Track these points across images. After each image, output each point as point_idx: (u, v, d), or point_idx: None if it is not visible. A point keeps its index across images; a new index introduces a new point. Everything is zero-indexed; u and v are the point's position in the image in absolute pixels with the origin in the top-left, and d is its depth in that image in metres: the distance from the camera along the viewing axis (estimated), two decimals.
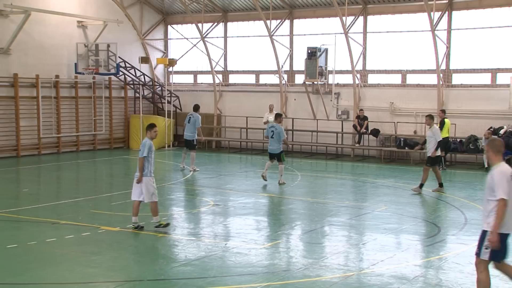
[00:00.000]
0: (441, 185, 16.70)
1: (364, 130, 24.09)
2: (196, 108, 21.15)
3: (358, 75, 25.44)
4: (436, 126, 17.03)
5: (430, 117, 16.52)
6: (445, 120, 20.97)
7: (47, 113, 24.94)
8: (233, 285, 8.77)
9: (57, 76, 25.29)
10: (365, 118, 24.30)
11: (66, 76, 25.82)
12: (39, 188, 17.93)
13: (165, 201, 15.74)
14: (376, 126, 24.32)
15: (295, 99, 26.98)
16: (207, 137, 27.95)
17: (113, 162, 23.47)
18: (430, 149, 16.38)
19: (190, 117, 20.62)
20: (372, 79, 25.70)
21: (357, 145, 24.61)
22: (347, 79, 25.76)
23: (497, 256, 7.20)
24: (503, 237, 7.14)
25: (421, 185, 16.42)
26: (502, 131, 21.38)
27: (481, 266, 7.31)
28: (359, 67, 25.46)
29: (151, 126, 11.99)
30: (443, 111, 21.21)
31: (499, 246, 7.06)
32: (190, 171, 20.02)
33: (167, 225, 11.91)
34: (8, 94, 23.61)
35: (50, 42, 25.04)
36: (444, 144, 20.24)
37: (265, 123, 22.38)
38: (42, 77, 24.53)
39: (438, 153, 16.66)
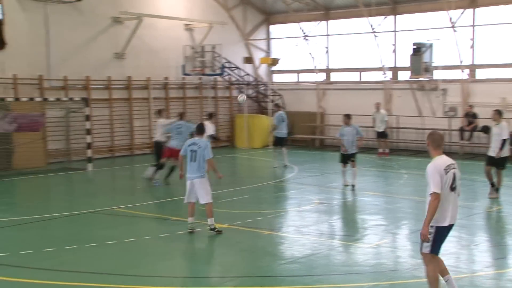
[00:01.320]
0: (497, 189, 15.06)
1: (469, 129, 23.11)
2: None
3: (467, 70, 24.51)
4: (505, 123, 14.98)
5: (497, 112, 14.73)
6: None
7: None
8: (340, 283, 8.71)
9: (166, 78, 26.21)
10: (475, 115, 23.30)
11: (174, 78, 26.68)
12: (151, 185, 18.60)
13: (271, 199, 15.94)
14: (487, 123, 23.29)
15: (399, 96, 26.38)
16: (310, 136, 28.02)
17: (219, 161, 23.85)
18: (494, 148, 14.74)
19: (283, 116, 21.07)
20: (481, 74, 24.67)
21: (466, 142, 23.70)
22: (455, 74, 24.88)
23: (438, 249, 7.32)
24: (442, 230, 7.23)
25: (497, 189, 14.96)
26: None
27: (425, 260, 7.40)
28: (467, 61, 24.52)
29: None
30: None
31: (428, 239, 7.15)
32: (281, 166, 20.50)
33: (220, 232, 11.39)
34: (123, 96, 24.76)
35: (160, 46, 25.96)
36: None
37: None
38: (152, 79, 25.52)
39: (505, 153, 14.77)
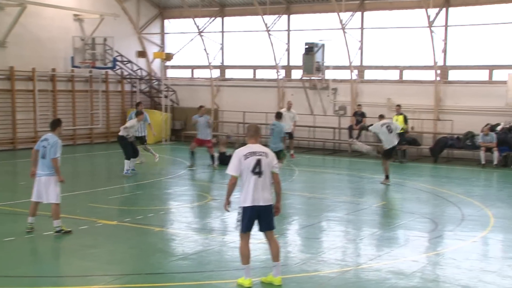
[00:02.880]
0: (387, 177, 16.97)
1: (357, 128, 24.01)
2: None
3: (355, 71, 25.44)
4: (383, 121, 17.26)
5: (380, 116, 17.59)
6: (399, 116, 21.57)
7: (44, 107, 24.94)
8: (230, 279, 8.76)
9: (53, 70, 25.28)
10: (363, 114, 24.23)
11: (62, 70, 25.79)
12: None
13: (163, 195, 15.78)
14: (373, 122, 24.25)
15: (292, 94, 26.93)
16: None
17: (110, 156, 23.43)
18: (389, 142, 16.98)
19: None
20: (369, 75, 25.71)
21: (354, 140, 24.57)
22: (344, 74, 25.76)
23: (243, 228, 8.24)
24: (245, 210, 8.16)
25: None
26: (499, 128, 21.45)
27: (240, 237, 8.39)
28: (356, 62, 25.47)
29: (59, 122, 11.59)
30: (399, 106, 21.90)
31: (226, 209, 8.42)
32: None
33: (69, 232, 10.96)
34: (5, 87, 23.63)
35: (46, 35, 25.00)
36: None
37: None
38: (38, 70, 24.51)
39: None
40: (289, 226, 12.42)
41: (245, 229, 8.24)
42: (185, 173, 18.80)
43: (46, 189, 10.81)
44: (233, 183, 8.15)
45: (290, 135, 22.75)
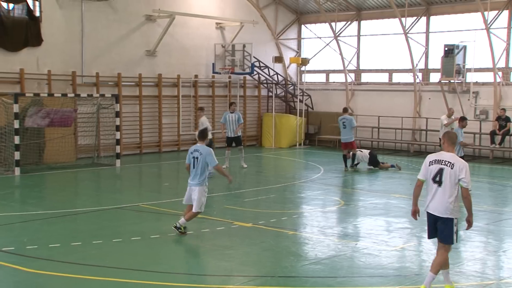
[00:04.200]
0: None
1: (501, 133, 22.73)
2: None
3: (500, 73, 24.12)
4: None
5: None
6: None
7: (186, 111, 26.06)
8: (363, 286, 8.65)
9: (196, 76, 26.33)
10: (507, 119, 22.90)
11: (204, 76, 26.80)
12: (178, 183, 18.70)
13: (296, 199, 15.89)
14: None
15: (429, 98, 26.11)
16: (337, 136, 27.81)
17: (246, 160, 23.94)
18: None
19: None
20: None
21: (497, 146, 23.31)
22: (487, 77, 24.51)
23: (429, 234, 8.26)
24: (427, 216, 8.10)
25: None
26: None
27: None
28: (501, 64, 24.14)
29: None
30: None
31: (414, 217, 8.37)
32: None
33: (184, 233, 11.16)
34: (153, 93, 24.94)
35: (191, 44, 26.11)
36: None
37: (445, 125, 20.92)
38: (182, 77, 25.67)
39: None
40: (423, 234, 12.00)
41: (428, 236, 8.32)
42: (318, 177, 18.75)
43: (195, 196, 11.12)
44: (417, 186, 8.13)
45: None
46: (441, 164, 7.77)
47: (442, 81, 25.12)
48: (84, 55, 22.47)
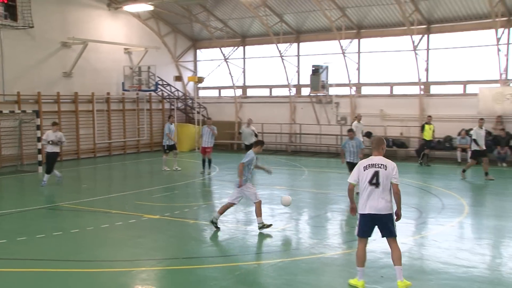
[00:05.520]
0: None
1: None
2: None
3: (354, 88, 25.37)
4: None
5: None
6: (425, 125, 21.03)
7: (101, 123, 25.28)
8: (251, 260, 8.82)
9: (108, 93, 25.60)
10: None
11: (115, 93, 26.11)
12: (94, 185, 18.13)
13: (196, 194, 15.87)
14: (369, 129, 24.19)
15: (302, 108, 26.97)
16: (230, 141, 28.11)
17: (153, 162, 23.62)
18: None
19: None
20: (365, 90, 25.62)
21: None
22: (345, 91, 25.70)
23: (361, 232, 7.61)
24: (361, 217, 7.48)
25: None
26: (472, 132, 21.16)
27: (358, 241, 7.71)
28: (354, 80, 25.40)
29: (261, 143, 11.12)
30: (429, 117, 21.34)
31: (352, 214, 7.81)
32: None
33: (270, 225, 10.78)
34: (70, 109, 23.98)
35: (103, 66, 25.34)
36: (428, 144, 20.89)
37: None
38: (96, 94, 24.86)
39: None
40: (300, 217, 12.45)
41: (361, 234, 7.51)
42: (214, 175, 18.83)
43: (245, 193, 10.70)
44: (350, 189, 7.54)
45: None
46: (376, 167, 7.26)
47: (311, 94, 26.04)
48: (4, 76, 21.16)
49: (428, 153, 21.14)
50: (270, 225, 10.78)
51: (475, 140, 16.74)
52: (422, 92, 23.34)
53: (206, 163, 19.04)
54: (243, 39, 28.91)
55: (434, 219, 11.67)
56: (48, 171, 16.33)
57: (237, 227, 11.13)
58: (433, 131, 21.07)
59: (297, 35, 27.02)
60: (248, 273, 8.16)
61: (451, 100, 22.78)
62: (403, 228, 10.97)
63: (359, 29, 25.05)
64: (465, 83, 22.88)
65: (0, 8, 20.36)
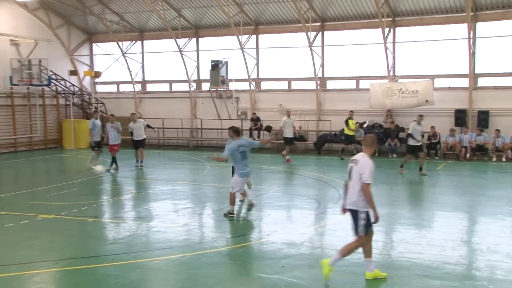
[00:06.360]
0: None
1: (255, 128, 24.40)
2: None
3: (253, 83, 25.72)
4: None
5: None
6: (349, 120, 21.17)
7: None
8: (153, 257, 8.63)
9: None
10: (258, 119, 24.63)
11: (2, 87, 24.37)
12: None
13: (95, 191, 15.26)
14: (269, 123, 24.68)
15: (202, 103, 26.90)
16: (129, 137, 27.29)
17: (48, 160, 22.43)
18: None
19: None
20: (264, 85, 26.06)
21: (257, 139, 24.83)
22: (245, 85, 25.98)
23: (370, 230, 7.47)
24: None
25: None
26: (365, 125, 22.36)
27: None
28: (253, 76, 25.74)
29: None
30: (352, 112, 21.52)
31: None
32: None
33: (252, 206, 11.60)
34: None
35: None
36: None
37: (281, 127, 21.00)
38: None
39: None
40: (203, 212, 12.40)
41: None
42: (114, 173, 18.22)
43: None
44: (344, 185, 7.49)
45: (291, 140, 21.22)
46: (352, 163, 7.35)
47: (211, 89, 26.04)
48: None
49: (356, 147, 21.00)
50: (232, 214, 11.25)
51: (411, 135, 16.96)
52: (318, 87, 24.16)
53: (111, 161, 18.37)
54: (141, 33, 28.22)
55: (332, 209, 12.11)
56: None
57: (138, 224, 10.85)
58: (356, 125, 21.24)
59: (196, 30, 26.87)
60: (150, 270, 7.98)
61: (345, 94, 23.82)
62: (303, 219, 11.35)
63: (257, 25, 25.42)
64: (358, 78, 24.03)
65: None
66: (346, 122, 21.16)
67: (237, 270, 8.11)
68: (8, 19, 24.84)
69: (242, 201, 12.19)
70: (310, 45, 23.54)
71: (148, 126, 19.65)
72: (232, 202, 11.35)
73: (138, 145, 19.02)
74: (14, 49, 25.04)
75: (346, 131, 21.23)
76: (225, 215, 11.28)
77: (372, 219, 7.29)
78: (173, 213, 12.01)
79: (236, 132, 11.33)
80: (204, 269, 7.97)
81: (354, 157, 7.52)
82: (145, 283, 7.52)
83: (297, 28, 24.33)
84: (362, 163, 7.26)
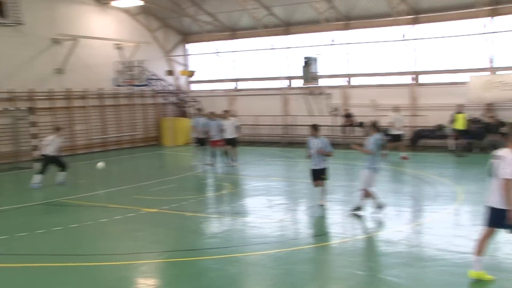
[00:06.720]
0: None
1: (348, 125, 24.08)
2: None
3: (345, 78, 25.37)
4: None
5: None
6: (458, 114, 20.02)
7: (95, 119, 25.14)
8: (250, 252, 8.81)
9: (101, 89, 25.43)
10: (350, 115, 24.28)
11: (108, 89, 25.94)
12: (92, 180, 18.01)
13: (193, 187, 15.83)
14: (361, 119, 24.22)
15: (294, 100, 26.93)
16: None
17: (149, 157, 23.56)
18: None
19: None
20: (355, 81, 25.61)
21: (347, 135, 24.52)
22: (336, 81, 25.68)
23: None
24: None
25: None
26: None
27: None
28: (345, 71, 25.38)
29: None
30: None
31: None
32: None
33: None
34: (64, 105, 23.83)
35: (94, 62, 25.14)
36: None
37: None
38: (89, 90, 24.71)
39: None
40: (297, 208, 12.46)
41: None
42: (210, 168, 18.75)
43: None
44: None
45: (398, 137, 19.89)
46: (496, 158, 6.90)
47: (303, 86, 26.00)
48: None
49: (462, 143, 19.92)
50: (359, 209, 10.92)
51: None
52: (413, 82, 23.34)
53: (218, 155, 18.72)
54: (233, 32, 28.77)
55: (429, 207, 11.71)
56: (43, 171, 15.95)
57: (235, 219, 11.12)
58: (466, 120, 20.01)
59: (287, 27, 26.93)
60: (248, 264, 8.17)
61: (441, 89, 22.82)
62: (400, 216, 11.06)
63: (347, 20, 25.02)
64: (454, 72, 22.92)
65: None
66: (455, 117, 19.96)
67: (333, 266, 8.08)
68: (113, 25, 26.39)
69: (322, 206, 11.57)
70: (403, 38, 22.78)
71: (237, 127, 19.67)
72: (368, 197, 10.86)
73: (229, 143, 19.05)
74: (118, 53, 26.56)
75: (457, 125, 19.81)
76: (354, 210, 10.88)
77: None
78: (268, 209, 12.16)
79: (374, 127, 11.17)
80: (300, 264, 8.02)
81: (498, 152, 6.96)
82: (243, 277, 7.71)
83: (388, 22, 23.64)
84: (509, 159, 6.74)
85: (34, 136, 19.70)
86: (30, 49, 22.42)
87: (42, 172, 15.66)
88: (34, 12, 22.27)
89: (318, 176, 11.81)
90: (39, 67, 22.77)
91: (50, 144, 15.61)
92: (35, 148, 19.51)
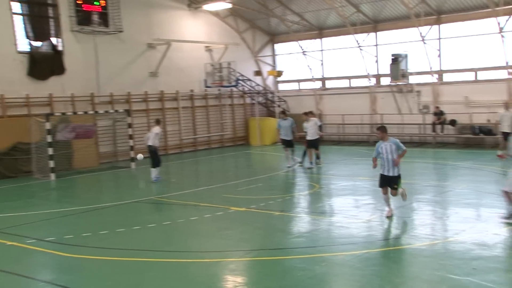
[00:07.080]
0: None
1: (438, 123, 22.99)
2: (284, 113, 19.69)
3: (435, 75, 24.33)
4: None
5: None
6: None
7: (186, 119, 26.01)
8: (338, 252, 8.71)
9: (191, 91, 26.28)
10: (441, 113, 23.20)
11: (198, 90, 26.75)
12: (183, 179, 18.68)
13: (280, 186, 15.89)
14: (453, 117, 23.16)
15: (382, 98, 26.28)
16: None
17: (237, 156, 23.99)
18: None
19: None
20: (447, 77, 24.49)
21: (440, 134, 23.51)
22: (426, 78, 24.72)
23: None
24: None
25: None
26: None
27: None
28: (435, 68, 24.35)
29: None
30: None
31: None
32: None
33: None
34: (157, 106, 24.87)
35: (185, 64, 26.04)
36: None
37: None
38: (180, 92, 25.61)
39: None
40: (385, 208, 12.11)
41: None
42: (297, 167, 18.69)
43: None
44: None
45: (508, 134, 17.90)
46: None
47: (391, 84, 25.30)
48: (99, 79, 22.34)
49: None
50: None
51: None
52: (510, 76, 21.92)
53: (307, 156, 18.44)
54: (320, 31, 28.57)
55: None
56: (157, 164, 16.85)
57: (321, 219, 11.04)
58: None
59: (375, 24, 26.31)
60: (334, 264, 8.07)
61: None
62: (495, 218, 10.43)
63: (439, 15, 23.96)
64: None
65: (95, 16, 21.62)
66: None
67: (424, 269, 7.77)
68: (203, 28, 27.18)
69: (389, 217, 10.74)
70: (500, 30, 21.45)
71: (320, 127, 19.28)
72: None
73: (311, 145, 18.45)
74: (208, 55, 27.33)
75: None
76: (508, 218, 9.89)
77: None
78: (355, 209, 11.96)
79: None
80: (389, 266, 7.81)
81: None
82: (330, 277, 7.63)
83: (484, 14, 22.36)
84: None
85: (131, 137, 20.77)
86: (128, 54, 23.67)
87: (155, 165, 16.75)
88: (132, 19, 23.50)
89: (390, 184, 10.67)
90: (135, 71, 23.98)
91: (154, 137, 16.66)
92: (131, 147, 20.57)
